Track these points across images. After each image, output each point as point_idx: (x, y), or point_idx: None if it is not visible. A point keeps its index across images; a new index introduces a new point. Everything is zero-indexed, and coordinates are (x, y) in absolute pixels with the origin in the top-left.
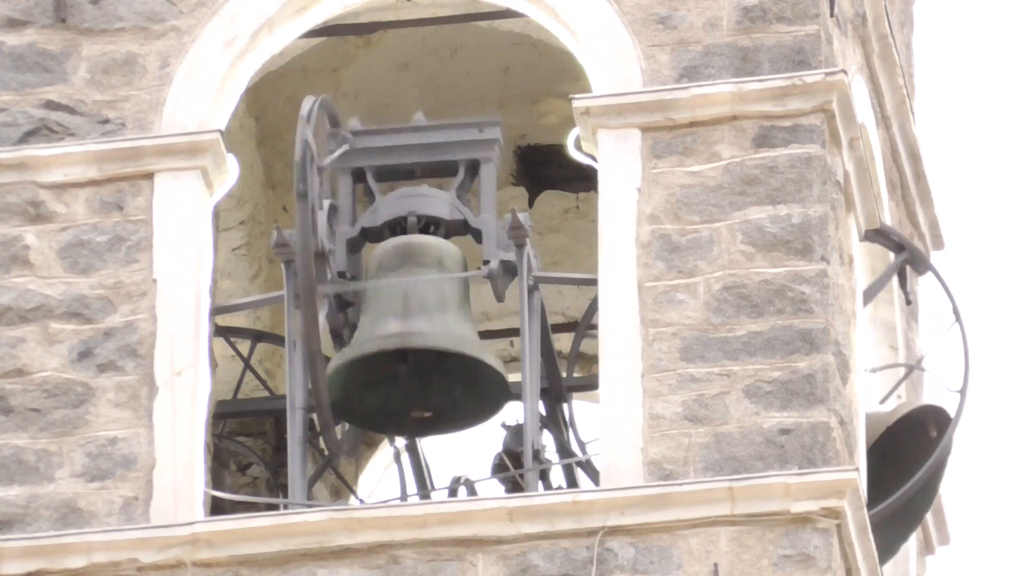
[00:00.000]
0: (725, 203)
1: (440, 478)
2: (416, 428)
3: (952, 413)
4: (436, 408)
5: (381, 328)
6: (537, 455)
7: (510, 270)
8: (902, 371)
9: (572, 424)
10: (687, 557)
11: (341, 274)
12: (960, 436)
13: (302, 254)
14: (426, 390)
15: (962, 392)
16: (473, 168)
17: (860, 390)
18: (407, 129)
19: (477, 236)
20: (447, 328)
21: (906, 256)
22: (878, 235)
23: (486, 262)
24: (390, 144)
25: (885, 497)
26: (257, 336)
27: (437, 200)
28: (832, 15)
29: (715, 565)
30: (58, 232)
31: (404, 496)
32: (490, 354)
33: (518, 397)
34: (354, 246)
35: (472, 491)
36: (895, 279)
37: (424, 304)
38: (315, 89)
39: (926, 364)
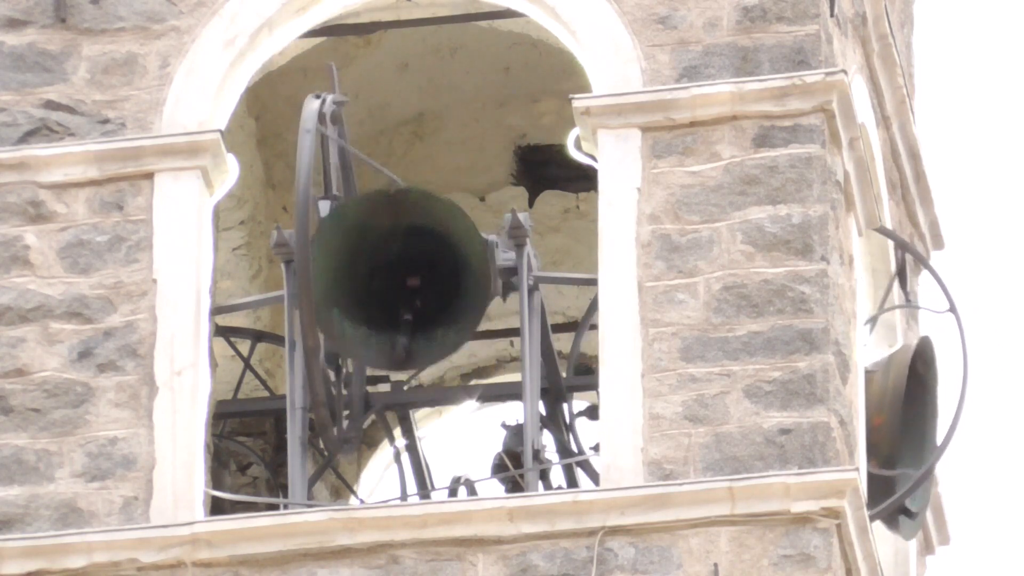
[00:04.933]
0: (725, 203)
1: (440, 478)
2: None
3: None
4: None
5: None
6: (537, 455)
7: (510, 270)
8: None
9: (572, 427)
10: (687, 557)
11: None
12: (960, 436)
13: (298, 252)
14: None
15: (961, 394)
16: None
17: (860, 390)
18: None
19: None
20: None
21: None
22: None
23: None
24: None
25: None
26: (257, 336)
27: None
28: (832, 15)
29: (715, 565)
30: (58, 232)
31: (404, 496)
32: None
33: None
34: None
35: (472, 491)
36: (896, 279)
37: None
38: (315, 89)
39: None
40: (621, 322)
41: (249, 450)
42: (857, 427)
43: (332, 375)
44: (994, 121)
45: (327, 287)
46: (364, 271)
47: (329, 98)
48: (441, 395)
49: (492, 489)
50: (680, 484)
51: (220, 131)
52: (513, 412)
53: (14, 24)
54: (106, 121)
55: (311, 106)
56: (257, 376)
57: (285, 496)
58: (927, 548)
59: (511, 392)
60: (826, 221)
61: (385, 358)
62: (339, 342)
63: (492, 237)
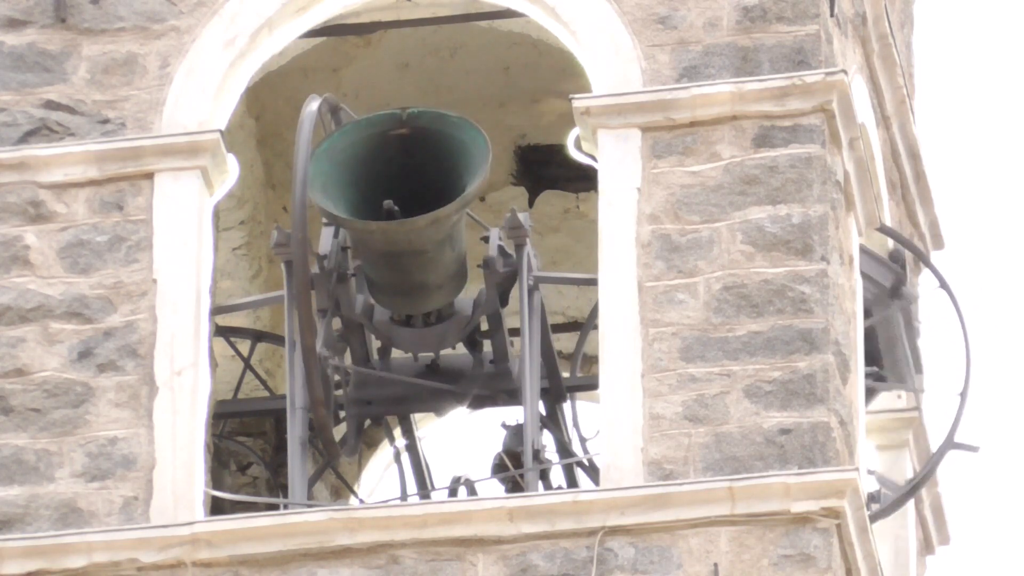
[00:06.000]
0: (725, 203)
1: (440, 478)
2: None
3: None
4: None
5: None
6: (537, 455)
7: (510, 267)
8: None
9: (576, 424)
10: (687, 557)
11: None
12: (960, 436)
13: (298, 252)
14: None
15: (963, 395)
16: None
17: (860, 389)
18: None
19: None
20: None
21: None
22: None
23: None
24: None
25: None
26: (257, 336)
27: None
28: (832, 15)
29: (715, 565)
30: (58, 232)
31: (404, 496)
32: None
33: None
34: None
35: (472, 491)
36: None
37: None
38: (315, 89)
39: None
40: (621, 322)
41: (249, 450)
42: (857, 427)
43: (331, 376)
44: (994, 121)
45: (324, 187)
46: (362, 178)
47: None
48: (441, 395)
49: (492, 489)
50: (680, 484)
51: (220, 131)
52: (513, 412)
53: (14, 24)
54: (106, 121)
55: (310, 106)
56: (257, 376)
57: (285, 496)
58: (927, 548)
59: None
60: (826, 221)
61: (373, 217)
62: (332, 219)
63: (494, 230)
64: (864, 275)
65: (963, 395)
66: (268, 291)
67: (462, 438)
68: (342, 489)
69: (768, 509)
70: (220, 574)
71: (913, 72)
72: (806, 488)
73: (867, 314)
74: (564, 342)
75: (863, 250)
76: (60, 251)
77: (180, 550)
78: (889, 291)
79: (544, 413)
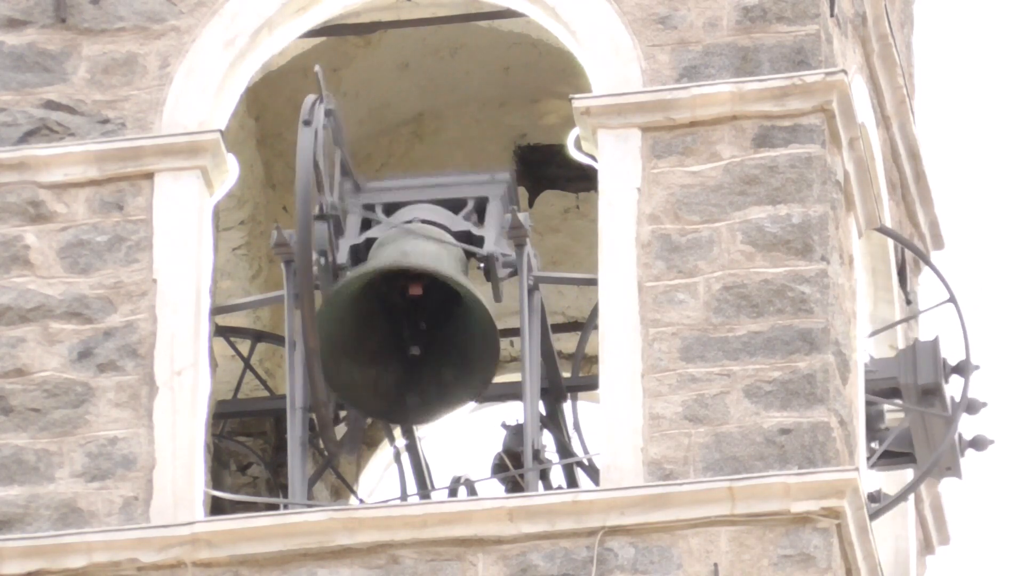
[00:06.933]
0: (725, 203)
1: (440, 478)
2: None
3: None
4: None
5: (377, 261)
6: (537, 455)
7: (510, 266)
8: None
9: (577, 425)
10: (687, 557)
11: (341, 268)
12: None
13: (300, 251)
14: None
15: (963, 392)
16: (481, 204)
17: (860, 389)
18: (418, 176)
19: (480, 244)
20: (443, 264)
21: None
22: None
23: (484, 259)
24: (400, 186)
25: None
26: (257, 336)
27: (442, 213)
28: (832, 15)
29: (715, 565)
30: (58, 232)
31: (404, 496)
32: (483, 298)
33: (518, 369)
34: (357, 253)
35: (472, 491)
36: (895, 278)
37: (423, 252)
38: (315, 89)
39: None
40: (621, 322)
41: (249, 450)
42: (857, 427)
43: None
44: (994, 121)
45: (334, 349)
46: (371, 327)
47: (321, 107)
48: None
49: (492, 489)
50: (680, 484)
51: (220, 131)
52: (513, 412)
53: (14, 24)
54: (106, 121)
55: (310, 103)
56: (257, 376)
57: (285, 496)
58: (927, 548)
59: (511, 392)
60: (826, 221)
61: (397, 414)
62: (348, 394)
63: (493, 249)
64: (909, 361)
65: (963, 393)
66: (268, 291)
67: (462, 438)
68: (342, 489)
69: (768, 509)
70: (220, 574)
71: (913, 72)
72: (806, 488)
73: (896, 394)
74: (564, 342)
75: (934, 343)
76: (60, 251)
77: (180, 550)
78: (919, 390)
79: (544, 413)
